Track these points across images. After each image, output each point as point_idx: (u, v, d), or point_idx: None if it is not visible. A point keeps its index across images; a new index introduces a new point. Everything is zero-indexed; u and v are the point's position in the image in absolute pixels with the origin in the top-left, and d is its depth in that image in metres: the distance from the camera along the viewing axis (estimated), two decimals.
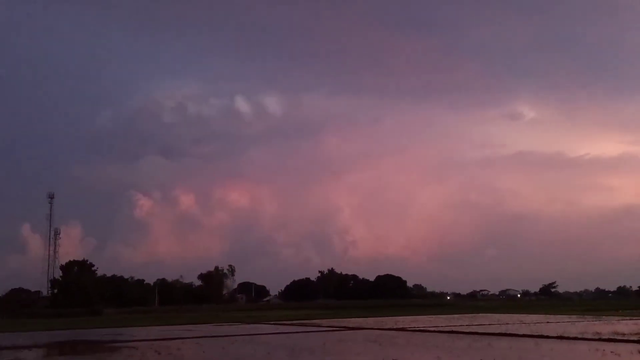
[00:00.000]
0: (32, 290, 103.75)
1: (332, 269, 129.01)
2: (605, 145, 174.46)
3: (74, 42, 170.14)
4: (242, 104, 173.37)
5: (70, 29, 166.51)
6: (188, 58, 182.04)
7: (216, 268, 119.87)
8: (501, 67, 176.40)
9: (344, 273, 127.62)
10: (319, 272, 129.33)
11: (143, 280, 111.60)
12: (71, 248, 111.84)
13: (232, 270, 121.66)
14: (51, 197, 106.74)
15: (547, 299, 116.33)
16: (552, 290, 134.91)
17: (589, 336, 18.96)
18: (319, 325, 30.60)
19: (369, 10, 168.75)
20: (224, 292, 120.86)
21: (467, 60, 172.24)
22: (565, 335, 19.67)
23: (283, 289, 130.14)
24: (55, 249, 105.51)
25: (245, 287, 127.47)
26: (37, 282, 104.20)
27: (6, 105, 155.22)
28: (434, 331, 23.87)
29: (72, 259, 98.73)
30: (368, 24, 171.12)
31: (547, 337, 19.42)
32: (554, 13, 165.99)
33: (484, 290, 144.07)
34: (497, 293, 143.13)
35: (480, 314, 41.91)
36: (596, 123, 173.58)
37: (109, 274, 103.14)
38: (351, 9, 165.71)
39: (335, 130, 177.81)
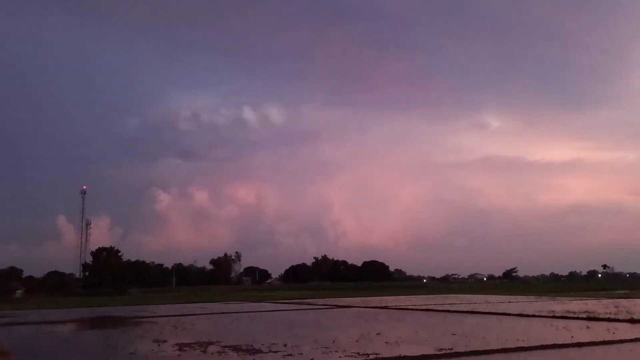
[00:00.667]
0: (67, 273, 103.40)
1: (325, 255, 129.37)
2: (559, 151, 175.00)
3: (107, 62, 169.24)
4: (249, 114, 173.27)
5: (102, 51, 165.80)
6: (202, 75, 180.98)
7: (225, 254, 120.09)
8: (470, 85, 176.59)
9: (335, 259, 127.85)
10: (314, 258, 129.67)
11: (162, 265, 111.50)
12: (100, 237, 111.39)
13: (238, 256, 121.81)
14: (83, 192, 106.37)
15: (509, 282, 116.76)
16: (513, 274, 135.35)
17: (545, 314, 19.05)
18: (313, 304, 30.59)
19: (357, 36, 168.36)
20: (232, 275, 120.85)
21: (441, 79, 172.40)
22: (524, 313, 19.74)
23: (283, 272, 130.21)
24: (86, 237, 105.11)
25: (251, 271, 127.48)
26: (71, 265, 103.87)
27: (46, 113, 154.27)
28: (412, 309, 23.92)
29: (101, 246, 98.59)
30: (357, 47, 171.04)
31: (509, 314, 19.49)
32: (513, 38, 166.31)
33: (455, 274, 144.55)
34: (466, 276, 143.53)
35: (451, 295, 42.01)
36: (551, 132, 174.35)
37: (133, 259, 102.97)
38: (343, 35, 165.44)
39: (328, 137, 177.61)
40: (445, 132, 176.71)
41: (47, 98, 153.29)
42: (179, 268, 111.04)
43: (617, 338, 11.92)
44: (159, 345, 12.47)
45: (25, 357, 10.37)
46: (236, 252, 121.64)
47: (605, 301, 27.05)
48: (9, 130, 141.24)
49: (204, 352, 11.11)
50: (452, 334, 13.25)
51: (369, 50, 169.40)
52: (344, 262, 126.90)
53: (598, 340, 11.65)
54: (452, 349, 10.59)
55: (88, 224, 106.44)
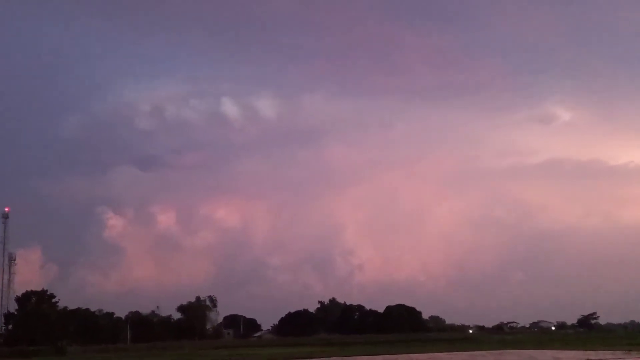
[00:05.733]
0: None
1: (334, 298, 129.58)
2: None
3: (32, 37, 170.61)
4: (229, 107, 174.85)
5: (26, 22, 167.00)
6: (166, 54, 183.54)
7: (198, 298, 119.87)
8: (529, 63, 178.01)
9: (348, 303, 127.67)
10: (319, 302, 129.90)
11: (113, 314, 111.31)
12: (29, 276, 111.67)
13: (213, 301, 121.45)
14: (5, 216, 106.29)
15: (587, 332, 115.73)
16: (593, 321, 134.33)
17: None
18: None
19: (376, 1, 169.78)
20: (208, 326, 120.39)
21: (489, 56, 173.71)
22: None
23: (277, 322, 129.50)
24: (10, 277, 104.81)
25: (233, 320, 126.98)
26: None
27: None
28: None
29: (30, 289, 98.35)
30: (376, 16, 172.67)
31: None
32: (588, 2, 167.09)
33: (512, 322, 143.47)
34: (528, 325, 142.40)
35: (508, 350, 41.81)
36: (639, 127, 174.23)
37: (73, 306, 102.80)
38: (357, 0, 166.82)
39: (338, 136, 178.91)
40: (495, 128, 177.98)
41: None
42: (135, 317, 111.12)
43: None
44: None
45: None
46: (209, 297, 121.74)
47: None
48: None
49: None
50: None
51: (391, 20, 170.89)
52: (360, 307, 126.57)
53: None
54: None
55: (12, 259, 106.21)
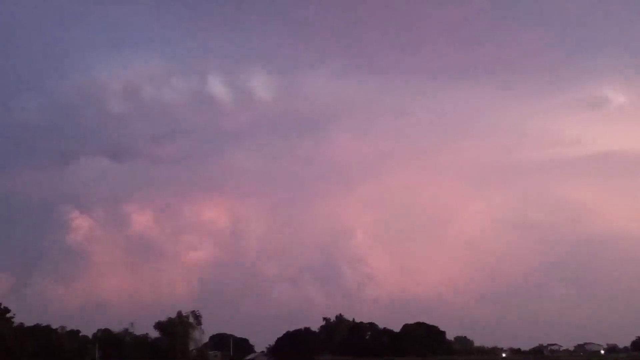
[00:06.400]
0: None
1: (340, 314, 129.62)
2: None
3: None
4: (217, 87, 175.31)
5: None
6: (143, 25, 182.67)
7: (179, 314, 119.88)
8: (574, 37, 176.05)
9: (357, 320, 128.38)
10: (324, 318, 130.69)
11: (79, 332, 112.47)
12: None
13: (197, 317, 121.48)
14: None
15: None
16: None
17: None
18: None
19: None
20: (191, 347, 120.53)
21: (525, 28, 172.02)
22: None
23: (273, 342, 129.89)
24: None
25: (221, 340, 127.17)
26: None
27: None
28: None
29: None
30: None
31: None
32: None
33: (554, 344, 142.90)
34: (572, 348, 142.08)
35: None
36: None
37: (31, 323, 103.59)
38: None
39: (345, 123, 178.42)
40: (534, 114, 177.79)
41: None
42: (105, 336, 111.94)
43: None
44: None
45: None
46: (192, 312, 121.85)
47: None
48: None
49: None
50: None
51: None
52: (372, 326, 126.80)
53: None
54: None
55: None
